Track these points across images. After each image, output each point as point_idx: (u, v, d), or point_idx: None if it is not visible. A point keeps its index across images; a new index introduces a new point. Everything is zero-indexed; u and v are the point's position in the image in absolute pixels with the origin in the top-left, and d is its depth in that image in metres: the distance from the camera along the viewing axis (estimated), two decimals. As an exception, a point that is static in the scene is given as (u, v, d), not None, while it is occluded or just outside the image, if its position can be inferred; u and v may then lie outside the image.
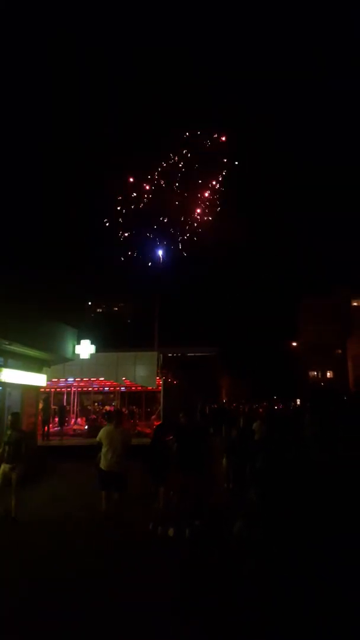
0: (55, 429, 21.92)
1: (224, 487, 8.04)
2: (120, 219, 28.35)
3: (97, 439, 8.24)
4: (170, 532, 7.13)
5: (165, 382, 23.58)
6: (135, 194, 27.89)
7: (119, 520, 7.70)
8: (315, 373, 61.41)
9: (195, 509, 7.40)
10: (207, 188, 28.39)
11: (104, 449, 7.92)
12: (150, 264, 29.94)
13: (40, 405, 18.99)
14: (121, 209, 28.10)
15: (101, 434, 8.19)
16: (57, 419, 22.92)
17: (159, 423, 8.69)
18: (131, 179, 27.56)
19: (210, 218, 28.76)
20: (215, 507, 7.81)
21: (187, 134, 26.95)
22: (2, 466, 8.47)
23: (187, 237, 29.01)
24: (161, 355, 22.46)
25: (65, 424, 23.11)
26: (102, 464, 7.88)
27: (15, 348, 14.20)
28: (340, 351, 59.60)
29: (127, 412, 24.37)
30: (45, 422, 19.85)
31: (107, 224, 28.21)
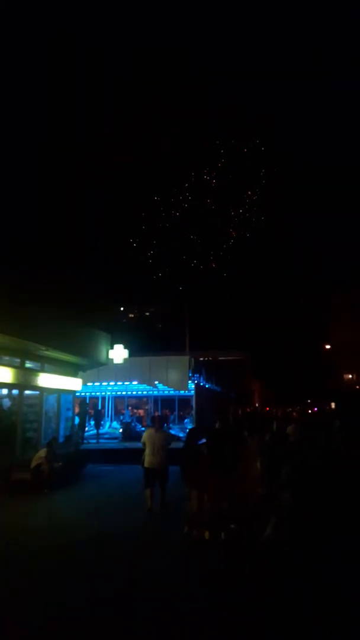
0: (91, 432, 22.31)
1: (258, 491, 8.04)
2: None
3: (142, 441, 9.31)
4: (206, 535, 7.18)
5: (197, 386, 23.67)
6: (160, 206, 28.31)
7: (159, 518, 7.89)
8: (350, 376, 60.13)
9: (229, 512, 7.46)
10: (238, 200, 28.46)
11: (147, 450, 8.93)
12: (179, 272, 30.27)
13: (77, 410, 19.42)
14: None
15: (144, 436, 9.29)
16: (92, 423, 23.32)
17: (192, 427, 8.83)
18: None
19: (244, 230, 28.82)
20: (249, 511, 7.85)
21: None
22: None
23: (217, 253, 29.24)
24: (193, 359, 22.59)
25: (101, 427, 23.50)
26: (146, 462, 8.87)
27: (51, 353, 14.64)
28: (375, 353, 58.11)
29: (160, 415, 24.60)
30: (82, 426, 20.26)
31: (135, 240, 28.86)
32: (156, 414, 24.09)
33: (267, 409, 47.85)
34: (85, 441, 19.72)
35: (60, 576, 6.01)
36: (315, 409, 42.52)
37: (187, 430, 10.33)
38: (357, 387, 57.40)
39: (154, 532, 8.08)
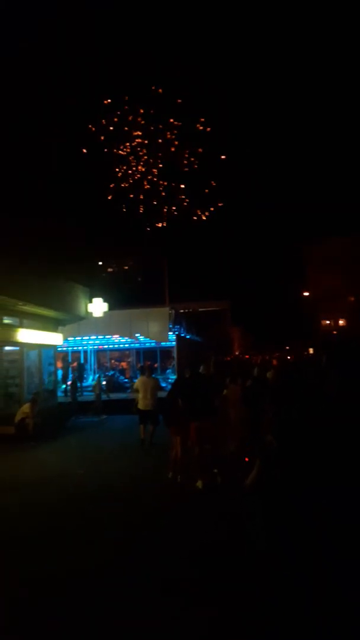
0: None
1: (240, 434, 8.27)
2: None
3: (135, 387, 10.86)
4: (199, 483, 7.29)
5: (178, 337, 23.82)
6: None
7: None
8: (328, 322, 61.26)
9: (211, 455, 7.65)
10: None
11: (140, 394, 10.29)
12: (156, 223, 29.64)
13: (59, 365, 19.43)
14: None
15: (137, 383, 10.84)
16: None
17: (176, 377, 9.00)
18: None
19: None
20: (232, 454, 8.09)
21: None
22: None
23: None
24: (173, 311, 22.62)
25: (84, 380, 23.66)
26: (140, 405, 10.21)
27: (29, 308, 14.42)
28: (353, 299, 59.06)
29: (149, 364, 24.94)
30: (64, 379, 20.36)
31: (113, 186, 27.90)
32: (147, 363, 24.42)
33: (247, 356, 48.70)
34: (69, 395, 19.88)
35: (57, 530, 6.15)
36: (293, 356, 43.42)
37: (173, 380, 10.82)
38: (334, 332, 58.66)
39: (143, 478, 8.30)
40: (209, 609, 3.88)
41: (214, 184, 29.24)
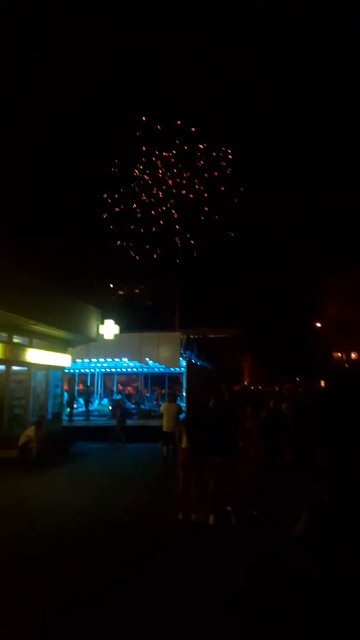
0: (80, 409, 22.01)
1: (258, 470, 7.75)
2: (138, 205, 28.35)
3: (160, 411, 12.38)
4: (211, 519, 6.84)
5: (188, 363, 23.36)
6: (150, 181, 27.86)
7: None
8: (340, 354, 60.47)
9: (230, 494, 7.15)
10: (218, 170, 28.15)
11: (164, 418, 11.44)
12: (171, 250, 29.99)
13: (65, 387, 19.04)
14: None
15: (162, 408, 12.12)
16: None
17: (192, 405, 8.57)
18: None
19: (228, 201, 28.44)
20: (255, 492, 7.55)
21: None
22: None
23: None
24: (185, 336, 22.23)
25: (90, 405, 23.21)
26: (164, 427, 11.34)
27: (40, 328, 14.14)
28: (365, 332, 58.34)
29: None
30: (70, 403, 19.93)
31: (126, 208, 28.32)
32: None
33: (258, 387, 47.95)
34: (74, 418, 19.43)
35: (59, 558, 5.68)
36: (305, 387, 42.55)
37: (187, 410, 10.79)
38: (346, 365, 57.74)
39: (149, 512, 7.77)
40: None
41: (230, 209, 29.42)
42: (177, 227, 30.11)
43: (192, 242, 30.04)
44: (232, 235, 30.81)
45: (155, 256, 30.06)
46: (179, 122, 27.99)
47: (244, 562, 5.39)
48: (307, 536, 4.31)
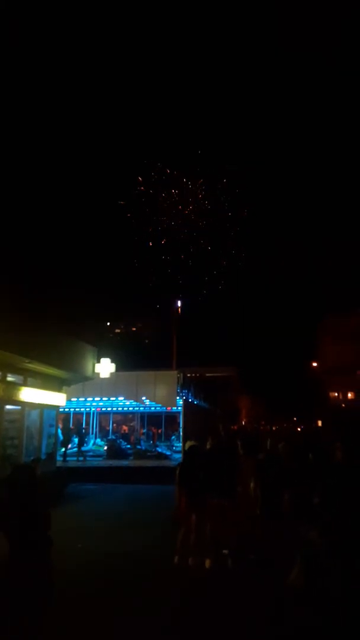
0: (74, 449, 21.58)
1: (255, 514, 7.52)
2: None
3: (185, 448, 11.11)
4: (207, 563, 6.63)
5: (185, 402, 23.12)
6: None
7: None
8: (336, 394, 60.06)
9: (224, 537, 6.93)
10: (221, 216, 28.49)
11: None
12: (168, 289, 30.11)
13: (60, 426, 18.72)
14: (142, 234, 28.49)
15: (187, 445, 11.02)
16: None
17: (191, 445, 8.34)
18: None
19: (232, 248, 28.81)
20: (246, 535, 7.32)
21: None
22: None
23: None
24: (181, 374, 22.10)
25: (85, 445, 22.78)
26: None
27: (35, 366, 14.02)
28: (362, 372, 58.12)
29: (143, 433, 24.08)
30: (65, 443, 19.54)
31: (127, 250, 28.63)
32: (125, 428, 24.57)
33: (255, 426, 47.35)
34: (68, 459, 19.01)
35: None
36: (302, 426, 42.15)
37: (186, 450, 10.55)
38: (343, 405, 57.27)
39: (145, 557, 7.49)
40: None
41: (228, 253, 29.80)
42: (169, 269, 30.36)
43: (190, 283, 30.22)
44: (227, 278, 31.14)
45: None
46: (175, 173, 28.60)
47: (242, 616, 5.17)
48: (303, 584, 4.12)
